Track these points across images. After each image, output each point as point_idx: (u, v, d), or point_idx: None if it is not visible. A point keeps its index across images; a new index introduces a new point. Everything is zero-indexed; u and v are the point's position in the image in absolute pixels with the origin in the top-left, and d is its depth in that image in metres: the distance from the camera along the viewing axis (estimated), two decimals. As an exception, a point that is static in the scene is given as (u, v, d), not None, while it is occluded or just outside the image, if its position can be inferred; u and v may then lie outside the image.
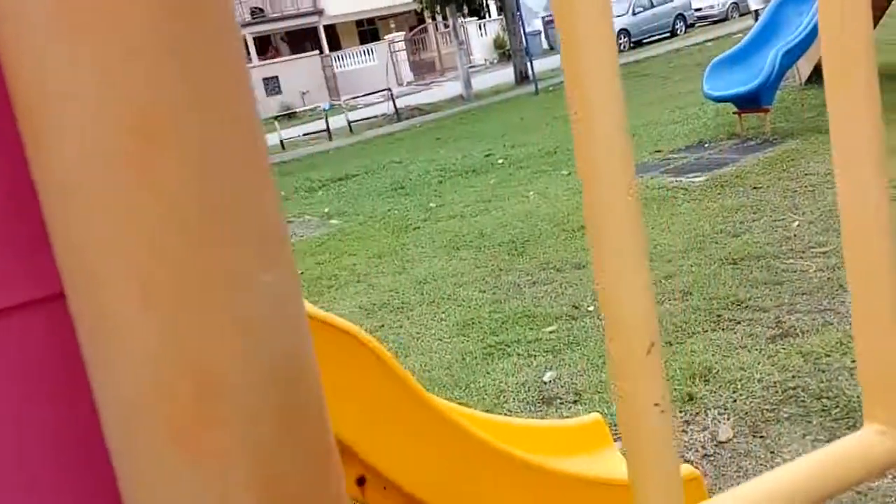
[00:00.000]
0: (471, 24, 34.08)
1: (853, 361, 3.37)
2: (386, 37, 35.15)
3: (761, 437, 2.99)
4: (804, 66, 9.81)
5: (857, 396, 3.09)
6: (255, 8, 37.38)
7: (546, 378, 3.84)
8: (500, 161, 10.20)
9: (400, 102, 20.61)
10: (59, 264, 0.39)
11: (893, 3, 9.60)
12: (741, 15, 26.95)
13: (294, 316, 0.42)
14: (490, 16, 35.88)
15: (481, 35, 35.34)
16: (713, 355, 3.66)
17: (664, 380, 0.53)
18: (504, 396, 3.76)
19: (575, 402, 3.56)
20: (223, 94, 0.39)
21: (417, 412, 1.94)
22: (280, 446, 0.40)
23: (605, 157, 0.51)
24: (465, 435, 1.97)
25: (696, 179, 6.96)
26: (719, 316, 4.09)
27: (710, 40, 21.21)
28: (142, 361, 0.37)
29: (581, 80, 0.51)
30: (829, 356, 3.45)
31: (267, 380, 0.40)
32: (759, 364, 3.49)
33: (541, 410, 3.57)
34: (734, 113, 8.46)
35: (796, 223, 5.28)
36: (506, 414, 3.47)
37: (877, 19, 9.64)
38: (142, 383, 0.38)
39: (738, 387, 3.35)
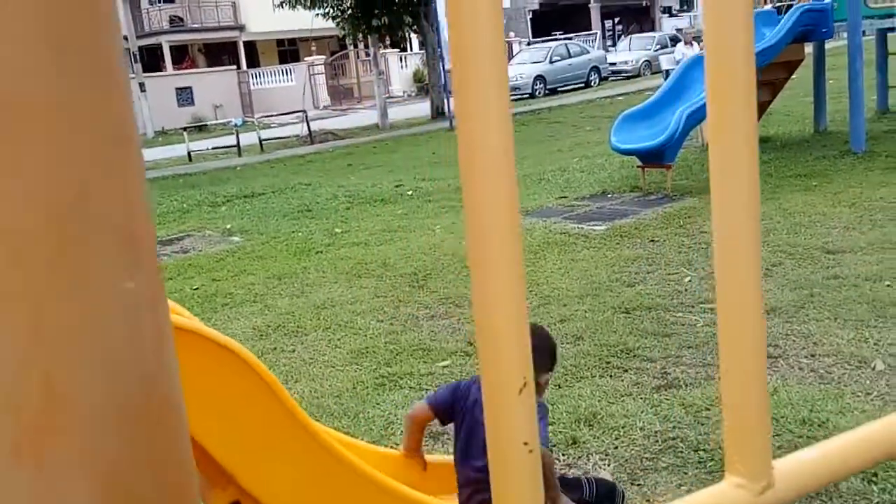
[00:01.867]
0: (392, 55, 34.27)
1: (731, 416, 3.48)
2: (306, 59, 35.00)
3: (638, 484, 3.05)
4: (707, 129, 10.20)
5: (733, 450, 3.19)
6: (175, 16, 36.71)
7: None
8: (410, 193, 10.23)
9: (315, 125, 20.50)
10: None
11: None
12: (653, 73, 27.94)
13: (156, 326, 0.40)
14: (412, 49, 36.18)
15: (402, 67, 35.57)
16: (599, 401, 3.73)
17: (535, 419, 0.54)
18: (392, 428, 3.73)
19: (462, 438, 3.56)
20: (102, 96, 0.38)
21: (300, 441, 1.91)
22: (130, 462, 0.39)
23: (491, 192, 0.51)
24: (348, 467, 1.94)
25: (597, 228, 7.13)
26: (608, 363, 4.17)
27: (621, 94, 21.89)
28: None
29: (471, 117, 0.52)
30: (709, 409, 3.55)
31: (120, 391, 0.38)
32: (642, 413, 3.57)
33: (427, 445, 3.55)
34: (638, 167, 8.72)
35: (688, 278, 5.45)
36: (392, 446, 3.44)
37: (776, 91, 10.15)
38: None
39: (621, 434, 3.41)
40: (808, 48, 10.34)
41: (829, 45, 10.38)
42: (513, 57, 31.42)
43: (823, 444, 0.67)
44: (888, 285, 4.79)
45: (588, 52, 29.73)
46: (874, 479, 2.82)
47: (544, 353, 2.43)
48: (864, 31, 9.02)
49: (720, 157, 0.64)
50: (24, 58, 0.35)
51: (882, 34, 10.81)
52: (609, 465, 3.19)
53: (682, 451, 3.25)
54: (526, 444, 0.53)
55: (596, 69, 28.92)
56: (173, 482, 0.41)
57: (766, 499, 0.62)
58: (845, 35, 9.13)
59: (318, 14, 21.47)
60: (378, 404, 4.00)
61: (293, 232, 8.57)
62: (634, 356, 4.24)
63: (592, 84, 28.20)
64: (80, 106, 0.37)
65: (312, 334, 5.18)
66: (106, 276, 0.37)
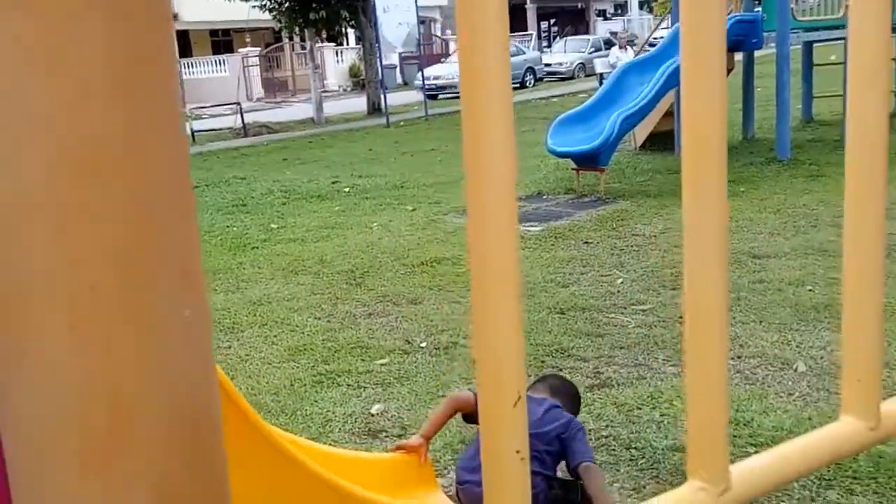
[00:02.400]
0: (328, 49, 34.05)
1: (661, 415, 3.60)
2: (240, 50, 34.54)
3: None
4: (640, 133, 10.45)
5: (663, 448, 3.31)
6: (104, 0, 35.80)
7: (374, 410, 3.87)
8: (347, 189, 10.22)
9: (248, 118, 20.27)
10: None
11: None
12: (587, 75, 28.39)
13: (205, 351, 0.44)
14: (348, 43, 36.00)
15: (338, 61, 35.37)
16: (536, 400, 3.80)
17: (526, 430, 0.59)
18: (330, 426, 3.76)
19: (400, 436, 3.60)
20: (162, 140, 0.41)
21: (254, 443, 1.93)
22: (182, 477, 0.42)
23: (494, 221, 0.56)
24: (302, 469, 1.97)
25: (533, 229, 7.25)
26: (543, 362, 4.26)
27: (556, 96, 22.19)
28: (62, 390, 0.39)
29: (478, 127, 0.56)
30: (640, 409, 3.67)
31: (176, 411, 0.42)
32: (577, 411, 3.66)
33: (366, 442, 3.59)
34: (573, 169, 8.87)
35: (620, 280, 5.59)
36: (330, 444, 3.47)
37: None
38: (59, 412, 0.39)
39: (557, 432, 3.49)
40: (739, 56, 10.66)
41: (757, 53, 10.70)
42: (450, 55, 31.52)
43: (772, 451, 0.74)
44: (810, 290, 4.99)
45: (524, 53, 30.02)
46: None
47: (576, 401, 2.95)
48: (791, 42, 9.35)
49: (693, 170, 0.69)
50: (99, 113, 0.39)
51: (808, 46, 11.21)
52: (545, 463, 3.28)
53: (614, 449, 3.35)
54: (518, 452, 0.58)
55: (531, 70, 29.22)
56: (214, 496, 0.45)
57: (725, 500, 0.68)
58: (774, 45, 9.44)
59: (254, 6, 21.23)
60: (316, 402, 4.01)
61: (228, 226, 8.48)
62: (569, 356, 4.34)
63: (528, 84, 28.48)
64: (145, 154, 0.40)
65: (248, 331, 5.16)
66: (167, 306, 0.41)
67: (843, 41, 9.52)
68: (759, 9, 10.02)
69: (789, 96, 9.29)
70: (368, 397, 4.02)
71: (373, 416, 3.82)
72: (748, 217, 6.92)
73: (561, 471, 3.13)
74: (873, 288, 0.74)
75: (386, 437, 3.62)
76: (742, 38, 9.42)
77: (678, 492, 0.69)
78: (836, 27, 9.62)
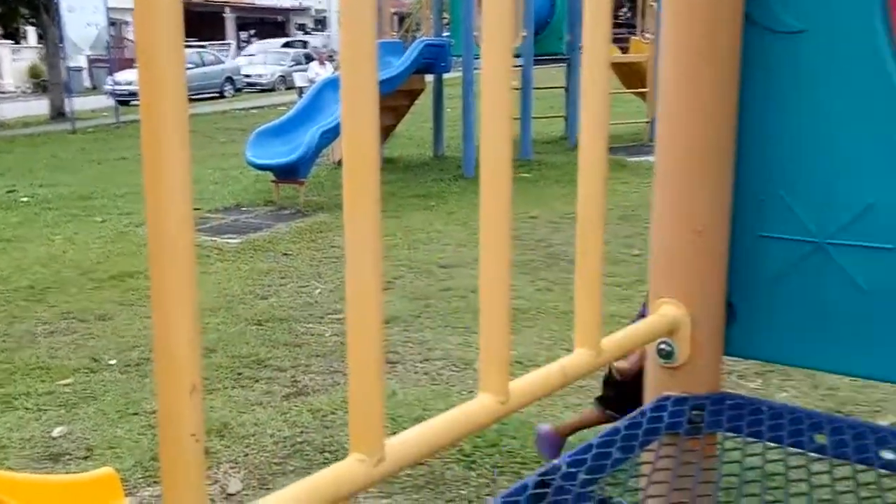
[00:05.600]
0: (4, 46, 31.08)
1: (356, 419, 3.76)
2: None
3: (268, 488, 3.18)
4: (339, 148, 10.69)
5: (357, 451, 3.46)
6: None
7: (55, 433, 3.65)
8: (25, 199, 9.42)
9: None
10: None
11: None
12: (287, 88, 28.39)
13: None
14: (28, 42, 33.09)
15: (15, 60, 32.38)
16: (230, 411, 3.81)
17: (202, 416, 0.66)
18: (6, 452, 3.50)
19: (86, 457, 3.44)
20: None
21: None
22: None
23: (169, 201, 0.63)
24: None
25: (231, 241, 7.17)
26: (240, 374, 4.26)
27: (256, 108, 21.99)
28: None
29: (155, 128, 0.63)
30: (334, 413, 3.80)
31: None
32: (272, 420, 3.72)
33: (46, 467, 3.39)
34: (272, 181, 8.89)
35: (318, 290, 5.72)
36: (8, 469, 3.22)
37: (400, 116, 10.92)
38: None
39: (251, 442, 3.53)
40: (429, 78, 11.29)
41: (446, 75, 11.38)
42: (142, 59, 30.04)
43: (421, 425, 0.86)
44: (490, 297, 5.44)
45: (223, 62, 29.42)
46: (473, 465, 3.24)
47: None
48: (476, 68, 10.08)
49: (351, 179, 0.80)
50: None
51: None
52: (239, 473, 3.30)
53: (308, 454, 3.45)
54: (193, 435, 0.65)
55: (230, 80, 28.70)
56: None
57: (381, 469, 0.79)
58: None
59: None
60: (-10, 427, 3.71)
61: None
62: (266, 366, 4.38)
63: (227, 95, 27.92)
64: None
65: None
66: None
67: (521, 67, 10.43)
68: (448, 34, 10.69)
69: (474, 118, 10.00)
70: (49, 420, 3.78)
71: (54, 439, 3.61)
72: (437, 229, 7.37)
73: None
74: (501, 290, 0.90)
75: (69, 459, 3.44)
76: (432, 62, 10.00)
77: (340, 465, 0.79)
78: (515, 56, 10.52)
